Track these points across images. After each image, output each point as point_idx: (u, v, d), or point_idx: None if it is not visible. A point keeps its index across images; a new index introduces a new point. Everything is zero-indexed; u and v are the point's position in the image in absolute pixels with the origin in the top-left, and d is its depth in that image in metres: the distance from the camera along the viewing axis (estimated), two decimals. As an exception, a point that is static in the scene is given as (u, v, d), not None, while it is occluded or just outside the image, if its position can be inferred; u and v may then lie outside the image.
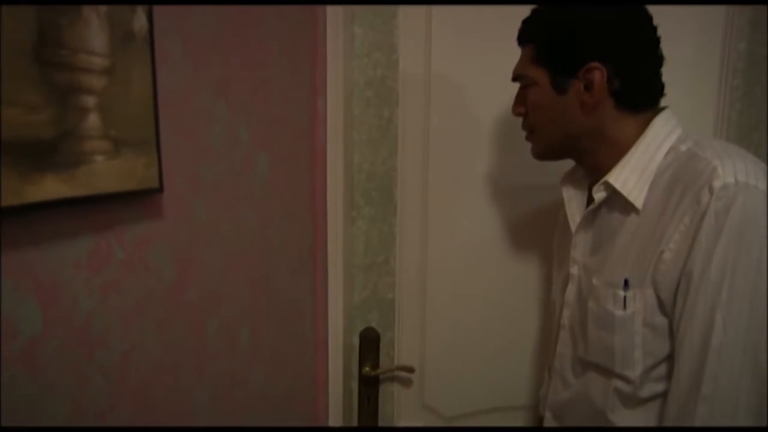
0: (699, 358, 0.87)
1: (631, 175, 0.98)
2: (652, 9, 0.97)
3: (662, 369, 0.96)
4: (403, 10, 1.37)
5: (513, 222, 1.45)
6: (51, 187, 0.63)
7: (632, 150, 0.99)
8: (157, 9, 0.78)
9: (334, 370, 1.43)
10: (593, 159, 1.04)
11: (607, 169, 1.01)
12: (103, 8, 0.69)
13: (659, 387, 0.96)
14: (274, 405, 1.22)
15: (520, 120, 1.09)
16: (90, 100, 0.68)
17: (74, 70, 0.66)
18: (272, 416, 1.21)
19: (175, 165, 0.85)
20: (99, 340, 0.73)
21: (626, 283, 0.97)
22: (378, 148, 1.41)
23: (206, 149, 0.93)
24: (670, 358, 0.94)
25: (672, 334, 0.93)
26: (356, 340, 1.48)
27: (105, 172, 0.71)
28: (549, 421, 1.18)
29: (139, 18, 0.76)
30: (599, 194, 1.02)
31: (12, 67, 0.58)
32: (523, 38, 1.05)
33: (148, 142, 0.78)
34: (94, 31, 0.68)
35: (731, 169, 0.87)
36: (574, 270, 1.10)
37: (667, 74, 0.99)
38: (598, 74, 0.96)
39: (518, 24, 1.05)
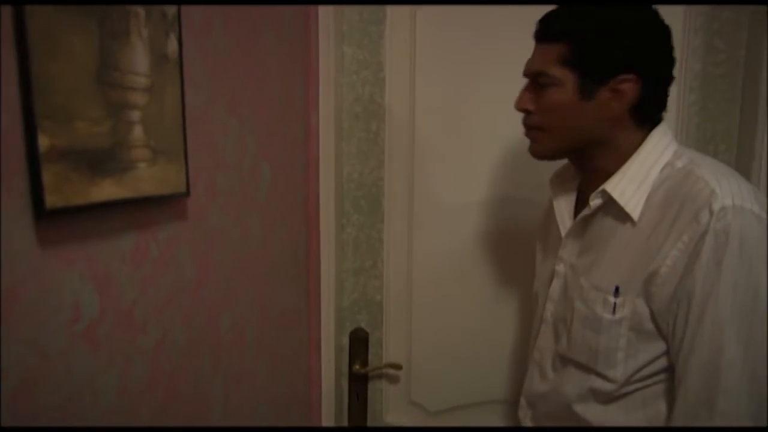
0: (710, 375, 0.91)
1: (629, 186, 1.01)
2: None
3: (645, 371, 1.01)
4: (389, 30, 1.50)
5: (494, 227, 1.58)
6: (108, 189, 0.74)
7: (631, 160, 1.02)
8: (185, 33, 0.89)
9: (327, 368, 1.54)
10: (594, 164, 1.07)
11: (604, 174, 1.04)
12: (145, 33, 0.81)
13: (636, 386, 1.02)
14: (275, 399, 1.32)
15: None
16: (135, 115, 0.79)
17: (124, 88, 0.77)
18: (274, 409, 1.31)
19: (197, 173, 0.96)
20: (140, 327, 0.83)
21: (617, 290, 1.01)
22: (366, 159, 1.53)
23: (220, 159, 1.04)
24: (655, 361, 1.00)
25: (659, 339, 0.99)
26: (346, 340, 1.59)
27: (146, 177, 0.82)
28: (523, 408, 1.25)
29: (171, 42, 0.87)
30: (596, 201, 1.05)
31: (81, 87, 0.69)
32: (550, 35, 1.01)
33: (177, 151, 0.89)
34: (138, 55, 0.79)
35: (728, 191, 0.91)
36: (560, 268, 1.14)
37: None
38: (632, 87, 0.97)
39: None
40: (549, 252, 1.21)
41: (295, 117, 1.37)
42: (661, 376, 1.01)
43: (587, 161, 1.08)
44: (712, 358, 0.91)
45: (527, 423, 1.24)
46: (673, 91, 1.45)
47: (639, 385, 1.03)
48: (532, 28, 1.05)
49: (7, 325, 0.61)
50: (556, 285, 1.15)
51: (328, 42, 1.44)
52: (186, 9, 0.90)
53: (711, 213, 0.90)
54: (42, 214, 0.64)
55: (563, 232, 1.13)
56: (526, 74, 1.06)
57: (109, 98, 0.74)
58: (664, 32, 0.98)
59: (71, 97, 0.67)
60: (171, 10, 0.86)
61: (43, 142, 0.63)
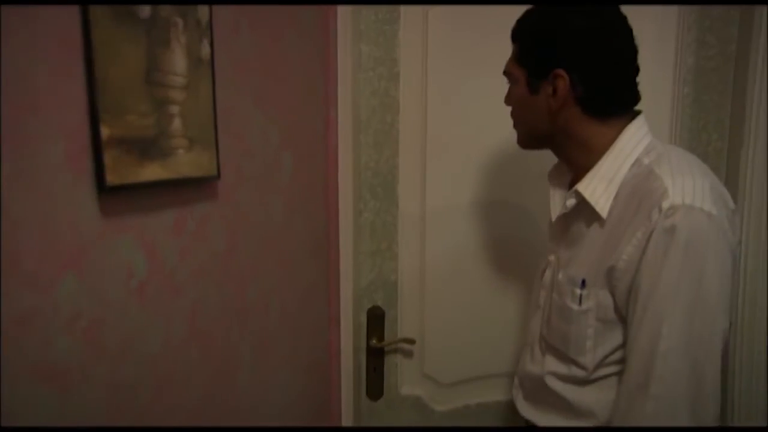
0: (647, 362, 1.00)
1: (599, 185, 1.09)
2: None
3: (614, 356, 1.10)
4: (403, 29, 1.64)
5: (503, 210, 1.71)
6: (154, 171, 0.90)
7: (603, 159, 1.09)
8: (215, 38, 1.05)
9: (345, 342, 1.70)
10: (569, 157, 1.17)
11: (584, 170, 1.12)
12: (183, 39, 0.97)
13: (610, 370, 1.11)
14: (297, 369, 1.48)
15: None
16: (175, 109, 0.95)
17: (166, 87, 0.93)
18: (296, 380, 1.47)
19: (226, 160, 1.12)
20: (179, 289, 0.99)
21: (583, 282, 1.11)
22: (382, 149, 1.68)
23: (247, 148, 1.20)
24: (621, 348, 1.09)
25: (624, 327, 1.07)
26: (364, 317, 1.74)
27: (184, 162, 0.98)
28: (516, 387, 1.37)
29: (204, 46, 1.03)
30: (570, 200, 1.14)
31: (132, 86, 0.85)
32: (512, 36, 1.16)
33: (210, 140, 1.05)
34: (178, 58, 0.95)
35: (680, 190, 0.98)
36: (552, 258, 1.25)
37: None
38: (561, 81, 1.07)
39: (503, 37, 1.19)
40: (550, 242, 1.31)
41: (315, 110, 1.53)
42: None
43: (564, 155, 1.18)
44: (650, 346, 0.99)
45: (519, 401, 1.34)
46: (668, 83, 1.58)
47: (609, 370, 1.12)
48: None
49: (79, 278, 0.77)
50: (548, 274, 1.26)
51: (346, 40, 1.59)
52: (216, 15, 1.05)
53: (660, 211, 0.97)
54: (103, 189, 0.80)
55: (553, 221, 1.25)
56: (503, 73, 1.19)
57: (154, 95, 0.90)
58: (603, 29, 1.05)
59: (125, 94, 0.84)
60: (204, 18, 1.02)
61: (104, 131, 0.80)
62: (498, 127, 1.60)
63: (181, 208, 1.00)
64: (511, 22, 1.17)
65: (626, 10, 1.08)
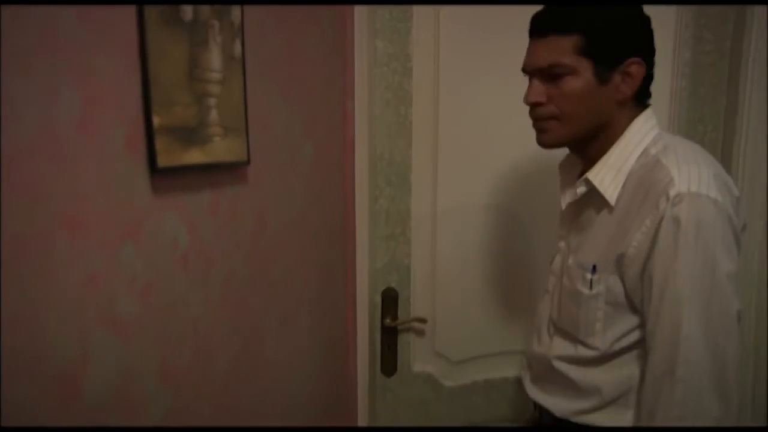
0: (671, 348, 1.05)
1: (608, 174, 1.15)
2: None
3: (625, 339, 1.16)
4: (416, 27, 1.77)
5: (513, 197, 1.84)
6: (195, 156, 1.04)
7: (613, 148, 1.16)
8: (246, 38, 1.19)
9: (362, 321, 1.83)
10: (591, 150, 1.19)
11: (595, 159, 1.17)
12: (219, 39, 1.10)
13: (620, 351, 1.17)
14: (317, 344, 1.62)
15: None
16: (212, 101, 1.09)
17: (205, 82, 1.07)
18: (316, 354, 1.61)
19: (255, 147, 1.25)
20: (214, 262, 1.14)
21: (594, 268, 1.16)
22: (396, 140, 1.81)
23: (273, 137, 1.34)
24: (631, 333, 1.16)
25: (634, 313, 1.14)
26: (379, 298, 1.87)
27: (220, 148, 1.12)
28: (524, 368, 1.43)
29: (237, 45, 1.17)
30: (580, 188, 1.20)
31: (178, 81, 0.99)
32: (560, 28, 1.10)
33: (241, 129, 1.19)
34: (214, 56, 1.09)
35: (686, 178, 1.04)
36: (562, 245, 1.31)
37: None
38: (638, 68, 1.11)
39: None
40: (560, 229, 1.37)
41: (333, 102, 1.66)
42: (636, 345, 1.17)
43: (587, 147, 1.20)
44: (672, 333, 1.05)
45: (527, 382, 1.40)
46: (667, 77, 1.70)
47: (617, 351, 1.18)
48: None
49: (136, 246, 0.92)
50: (557, 260, 1.33)
51: (362, 37, 1.72)
52: (247, 17, 1.19)
53: (668, 199, 1.03)
54: (155, 170, 0.94)
55: (563, 209, 1.31)
56: (533, 68, 1.15)
57: (195, 89, 1.04)
58: (649, 22, 1.15)
59: (172, 89, 0.98)
60: (237, 20, 1.16)
61: (156, 120, 0.94)
62: (506, 118, 1.74)
63: (216, 190, 1.14)
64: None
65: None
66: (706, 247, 1.02)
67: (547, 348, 1.30)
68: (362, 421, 1.87)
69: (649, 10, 1.13)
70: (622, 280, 1.14)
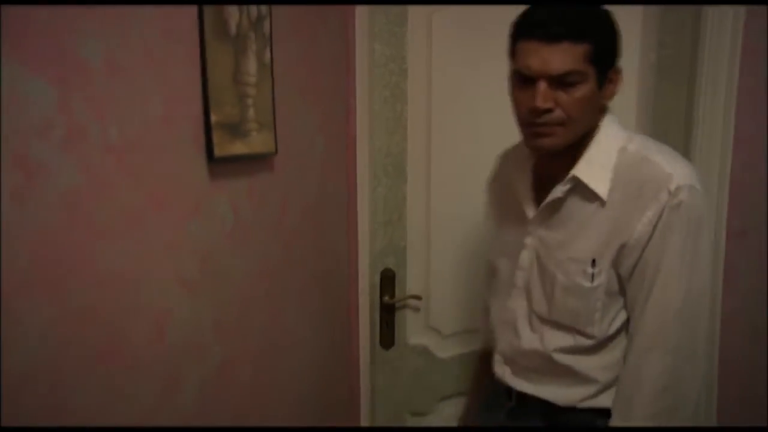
0: (663, 321, 1.18)
1: (595, 170, 1.22)
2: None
3: (614, 324, 1.27)
4: (410, 30, 2.00)
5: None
6: (239, 147, 1.26)
7: (591, 146, 1.23)
8: (274, 46, 1.41)
9: (363, 300, 2.06)
10: (572, 150, 1.23)
11: (568, 157, 1.23)
12: (254, 48, 1.32)
13: (609, 336, 1.27)
14: (325, 319, 1.84)
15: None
16: (250, 101, 1.31)
17: (245, 85, 1.29)
18: (327, 327, 1.84)
19: (280, 140, 1.48)
20: (252, 238, 1.36)
21: (593, 262, 1.23)
22: (393, 134, 2.04)
23: (294, 131, 1.56)
24: (618, 315, 1.26)
25: (621, 297, 1.25)
26: (378, 278, 2.10)
27: (256, 141, 1.34)
28: (499, 364, 1.46)
29: (267, 53, 1.39)
30: (566, 186, 1.24)
31: (226, 85, 1.21)
32: (576, 35, 1.11)
33: (270, 124, 1.41)
34: (251, 63, 1.32)
35: (681, 173, 1.16)
36: (530, 241, 1.34)
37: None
38: (619, 75, 1.22)
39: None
40: (510, 225, 1.42)
41: (339, 100, 1.89)
42: (623, 327, 1.28)
43: (569, 149, 1.23)
44: (664, 308, 1.18)
45: (507, 378, 1.43)
46: (635, 77, 1.95)
47: (610, 336, 1.28)
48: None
49: (198, 221, 1.14)
50: (526, 255, 1.35)
51: (362, 41, 1.95)
52: (275, 28, 1.41)
53: (669, 192, 1.14)
54: (211, 159, 1.16)
55: (530, 212, 1.33)
56: (545, 74, 1.13)
57: (238, 91, 1.26)
58: None
59: (222, 91, 1.20)
60: (267, 31, 1.38)
61: (213, 117, 1.16)
62: (492, 113, 1.98)
63: (252, 177, 1.36)
64: (505, 23, 1.28)
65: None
66: (696, 230, 1.17)
67: (539, 342, 1.34)
68: (364, 389, 2.10)
69: (618, 16, 1.32)
70: (617, 269, 1.23)
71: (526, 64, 1.14)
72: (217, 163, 1.18)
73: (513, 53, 1.20)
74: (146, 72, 0.98)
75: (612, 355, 1.29)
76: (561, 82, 1.13)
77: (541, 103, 1.14)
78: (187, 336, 1.12)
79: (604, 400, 1.30)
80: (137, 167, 0.97)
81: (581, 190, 1.24)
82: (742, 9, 1.78)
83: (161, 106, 1.02)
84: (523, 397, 1.40)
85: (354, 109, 1.98)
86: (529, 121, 1.18)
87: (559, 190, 1.26)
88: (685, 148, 1.92)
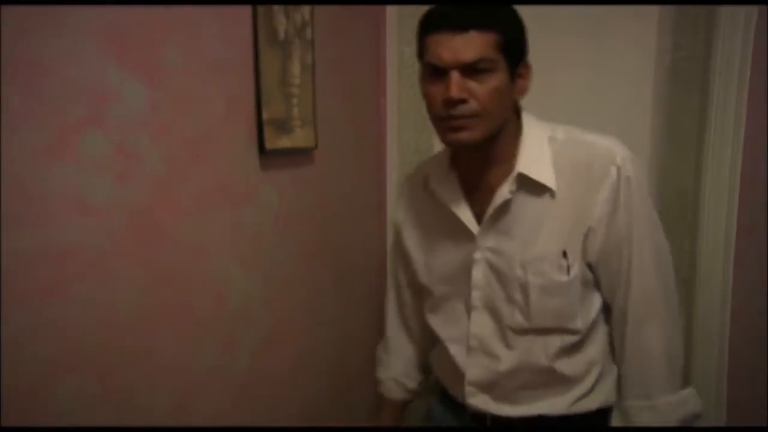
0: (649, 291, 1.25)
1: (535, 164, 1.23)
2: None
3: (592, 312, 1.30)
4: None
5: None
6: (285, 141, 1.43)
7: (523, 143, 1.25)
8: (315, 50, 1.58)
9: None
10: (494, 148, 1.25)
11: (497, 159, 1.26)
12: (298, 53, 1.50)
13: (594, 326, 1.31)
14: (357, 301, 2.00)
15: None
16: (294, 101, 1.49)
17: (290, 86, 1.46)
18: (359, 308, 2.00)
19: (320, 135, 1.64)
20: (294, 224, 1.53)
21: (564, 253, 1.24)
22: (421, 131, 2.20)
23: (331, 127, 1.73)
24: (595, 302, 1.30)
25: (594, 284, 1.29)
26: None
27: (299, 136, 1.51)
28: (473, 395, 1.38)
29: (309, 56, 1.56)
30: (511, 187, 1.23)
31: (275, 87, 1.38)
32: (485, 24, 1.13)
33: (311, 121, 1.58)
34: (295, 66, 1.49)
35: (620, 148, 1.22)
36: (479, 255, 1.30)
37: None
38: (528, 70, 1.23)
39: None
40: (445, 247, 1.37)
41: (370, 99, 2.06)
42: (600, 312, 1.33)
43: (490, 147, 1.24)
44: (646, 279, 1.25)
45: (487, 406, 1.37)
46: (650, 78, 2.09)
47: (591, 325, 1.31)
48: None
49: (250, 206, 1.31)
50: (479, 272, 1.31)
51: (392, 44, 2.12)
52: (316, 33, 1.57)
53: (617, 167, 1.20)
54: (263, 152, 1.34)
55: (473, 226, 1.30)
56: (457, 62, 1.13)
57: (285, 91, 1.44)
58: None
59: (272, 91, 1.37)
60: (309, 36, 1.55)
61: (264, 115, 1.33)
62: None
63: (295, 168, 1.53)
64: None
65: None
66: (647, 196, 1.25)
67: (516, 359, 1.31)
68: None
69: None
70: (585, 257, 1.26)
71: (437, 55, 1.14)
72: (267, 156, 1.36)
73: (421, 50, 1.21)
74: (212, 76, 1.16)
75: (595, 347, 1.33)
76: (473, 70, 1.13)
77: (455, 92, 1.13)
78: (241, 305, 1.29)
79: (597, 398, 1.34)
80: (206, 158, 1.14)
81: (527, 186, 1.24)
82: (754, 9, 1.92)
83: (224, 106, 1.19)
84: (499, 419, 1.37)
85: (384, 108, 2.15)
86: (444, 115, 1.17)
87: (505, 192, 1.24)
88: (698, 147, 2.06)
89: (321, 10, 1.60)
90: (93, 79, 0.85)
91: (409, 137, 2.21)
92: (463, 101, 1.14)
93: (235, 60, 1.24)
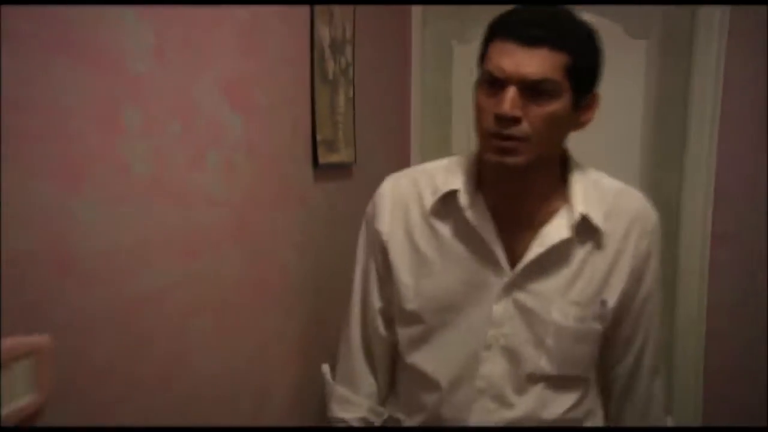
0: (656, 344, 1.30)
1: (591, 207, 1.17)
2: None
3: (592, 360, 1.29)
4: (455, 66, 2.58)
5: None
6: (332, 158, 1.84)
7: (575, 182, 1.20)
8: (356, 85, 1.99)
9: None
10: (533, 180, 1.18)
11: (538, 195, 1.20)
12: (343, 85, 1.91)
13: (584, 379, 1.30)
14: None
15: None
16: (340, 126, 1.90)
17: (337, 114, 1.88)
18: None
19: (358, 151, 2.05)
20: (341, 227, 1.93)
21: (603, 302, 1.20)
22: (441, 153, 2.61)
23: (364, 146, 2.12)
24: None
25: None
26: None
27: (343, 153, 1.92)
28: None
29: (350, 90, 1.97)
30: (570, 226, 1.17)
31: (325, 114, 1.80)
32: (557, 42, 1.04)
33: (351, 141, 1.99)
34: (341, 98, 1.90)
35: (650, 205, 1.26)
36: (506, 291, 1.20)
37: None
38: (597, 102, 1.15)
39: None
40: (450, 269, 1.24)
41: (397, 125, 2.48)
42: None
43: (530, 177, 1.17)
44: (654, 332, 1.31)
45: None
46: (638, 107, 2.48)
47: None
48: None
49: (305, 207, 1.72)
50: (502, 310, 1.20)
51: (416, 75, 2.54)
52: (357, 72, 1.98)
53: (653, 223, 1.24)
54: (317, 166, 1.74)
55: (504, 262, 1.19)
56: (518, 77, 1.04)
57: (333, 119, 1.85)
58: None
59: (323, 119, 1.78)
60: (351, 74, 1.96)
61: (318, 137, 1.74)
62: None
63: (339, 180, 1.94)
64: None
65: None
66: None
67: (530, 407, 1.23)
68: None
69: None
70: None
71: (498, 65, 1.06)
72: (319, 169, 1.76)
73: (483, 55, 1.12)
74: (284, 108, 1.57)
75: (592, 393, 1.34)
76: (533, 90, 1.05)
77: (509, 109, 1.04)
78: (297, 283, 1.68)
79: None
80: (278, 169, 1.55)
81: (581, 226, 1.18)
82: (723, 52, 2.32)
83: (290, 130, 1.60)
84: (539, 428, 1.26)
85: (409, 131, 2.57)
86: (494, 132, 1.08)
87: (563, 232, 1.17)
88: (680, 164, 2.44)
89: (359, 53, 2.01)
90: (215, 115, 1.26)
91: (429, 133, 2.66)
92: (516, 120, 1.05)
93: (299, 95, 1.65)
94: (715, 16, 2.28)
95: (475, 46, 1.17)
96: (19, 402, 0.81)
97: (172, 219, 1.12)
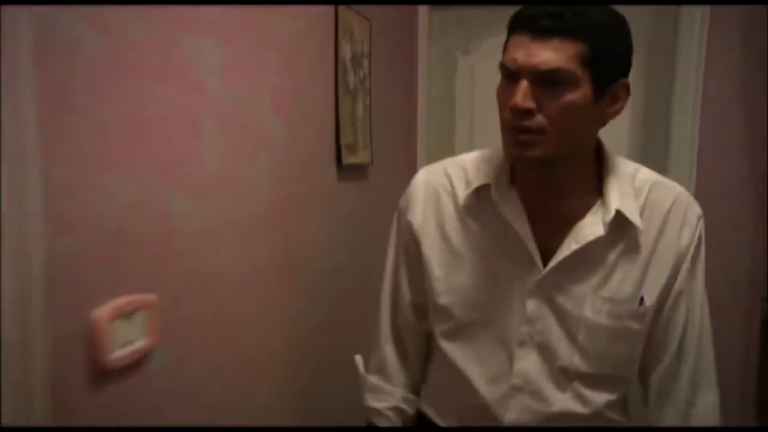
0: (697, 359, 1.19)
1: (626, 202, 1.13)
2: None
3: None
4: (459, 77, 2.84)
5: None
6: (354, 159, 2.10)
7: (612, 177, 1.15)
8: (372, 94, 2.25)
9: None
10: (563, 177, 1.15)
11: (570, 190, 1.16)
12: (361, 97, 2.16)
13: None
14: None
15: None
16: (359, 131, 2.15)
17: (356, 120, 2.13)
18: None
19: (377, 153, 2.30)
20: (360, 222, 2.18)
21: (642, 300, 1.15)
22: (443, 130, 2.86)
23: (379, 150, 2.38)
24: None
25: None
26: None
27: (362, 155, 2.18)
28: None
29: (366, 97, 2.23)
30: (605, 223, 1.13)
31: (347, 122, 2.05)
32: (570, 31, 1.02)
33: (368, 145, 2.24)
34: (359, 106, 2.15)
35: (693, 199, 1.18)
36: (538, 288, 1.17)
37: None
38: (626, 92, 1.09)
39: None
40: (482, 266, 1.22)
41: (405, 130, 2.73)
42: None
43: (562, 172, 1.14)
44: (702, 336, 1.21)
45: None
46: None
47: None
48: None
49: (330, 207, 1.97)
50: (533, 305, 1.18)
51: (423, 85, 2.80)
52: (372, 83, 2.24)
53: (698, 218, 1.17)
54: (340, 167, 2.00)
55: (537, 258, 1.17)
56: (530, 69, 1.03)
57: (353, 125, 2.10)
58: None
59: (345, 125, 2.04)
60: (368, 84, 2.21)
61: (341, 141, 2.00)
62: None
63: (358, 180, 2.19)
64: None
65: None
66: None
67: (566, 402, 1.21)
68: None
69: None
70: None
71: (512, 57, 1.06)
72: (341, 169, 2.01)
73: (504, 49, 1.12)
74: (314, 116, 1.82)
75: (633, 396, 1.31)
76: (547, 81, 1.03)
77: (521, 100, 1.03)
78: (324, 267, 1.93)
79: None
80: (309, 169, 1.80)
81: (616, 222, 1.14)
82: (702, 63, 2.58)
83: (318, 134, 1.86)
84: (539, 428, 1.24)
85: (416, 137, 2.83)
86: (511, 125, 1.07)
87: (598, 229, 1.14)
88: (665, 151, 2.70)
89: (374, 65, 2.27)
90: (264, 122, 1.51)
91: (434, 135, 2.93)
92: (529, 112, 1.04)
93: (326, 105, 1.90)
94: (695, 30, 2.55)
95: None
96: (135, 345, 1.07)
97: (232, 210, 1.38)
